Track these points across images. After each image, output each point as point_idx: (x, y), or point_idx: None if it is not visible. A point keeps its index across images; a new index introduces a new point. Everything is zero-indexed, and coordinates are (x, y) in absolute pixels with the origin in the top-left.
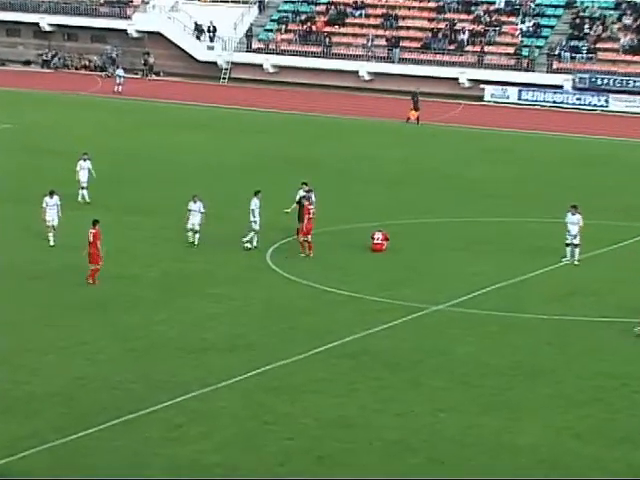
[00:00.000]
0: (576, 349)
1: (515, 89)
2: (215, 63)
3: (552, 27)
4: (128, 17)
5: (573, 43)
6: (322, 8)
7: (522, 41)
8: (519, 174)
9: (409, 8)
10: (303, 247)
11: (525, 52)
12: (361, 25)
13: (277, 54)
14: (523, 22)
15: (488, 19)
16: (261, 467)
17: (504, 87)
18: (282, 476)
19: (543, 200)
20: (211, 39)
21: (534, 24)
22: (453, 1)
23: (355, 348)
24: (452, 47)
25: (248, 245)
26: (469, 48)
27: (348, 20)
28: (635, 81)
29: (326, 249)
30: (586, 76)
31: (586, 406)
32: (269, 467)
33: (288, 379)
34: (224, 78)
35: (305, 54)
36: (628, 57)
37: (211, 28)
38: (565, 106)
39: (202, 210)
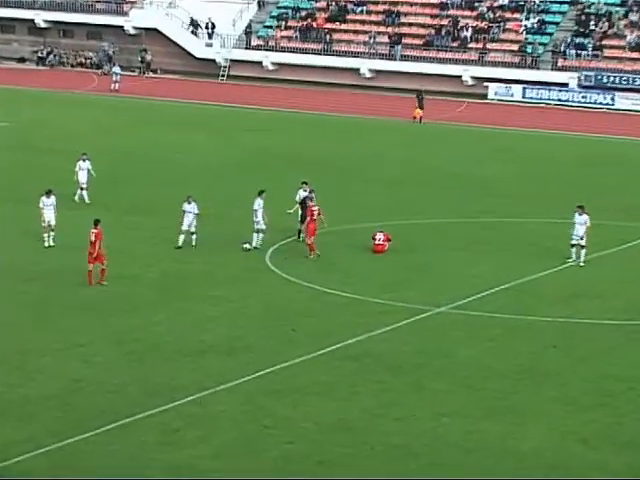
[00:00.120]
0: (581, 352)
1: (519, 87)
2: (214, 60)
3: (557, 24)
4: (125, 13)
5: (578, 40)
6: (322, 4)
7: (526, 38)
8: (524, 173)
9: (411, 4)
10: (312, 249)
11: (528, 49)
12: (362, 22)
13: (277, 51)
14: (527, 19)
15: (492, 16)
16: (260, 472)
17: (508, 85)
18: None
19: (548, 200)
20: (209, 36)
21: (539, 21)
22: None
23: (357, 351)
24: (455, 44)
25: (247, 246)
26: (472, 45)
27: (349, 17)
28: None
29: (327, 250)
30: (592, 74)
31: (592, 410)
32: (269, 472)
33: (288, 382)
34: (223, 76)
35: (305, 51)
36: (634, 54)
37: (209, 25)
38: (570, 104)
39: (196, 211)
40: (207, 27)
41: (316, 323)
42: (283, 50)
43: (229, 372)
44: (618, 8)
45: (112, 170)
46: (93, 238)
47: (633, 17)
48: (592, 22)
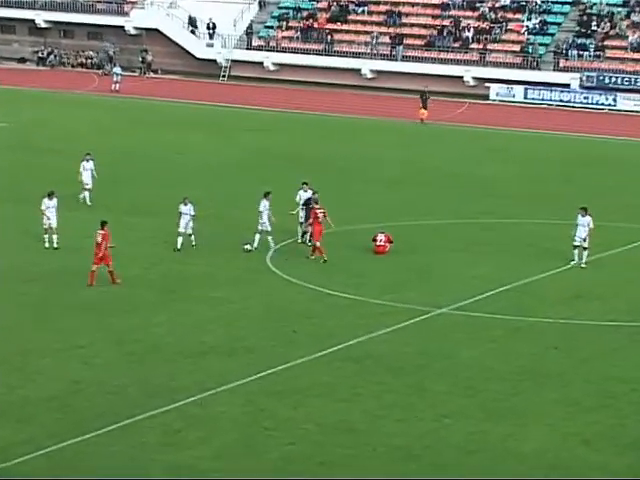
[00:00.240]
0: (583, 353)
1: (521, 88)
2: (214, 61)
3: (559, 24)
4: (125, 14)
5: (580, 41)
6: (324, 5)
7: (528, 39)
8: (524, 174)
9: (413, 5)
10: (321, 252)
11: (529, 50)
12: (364, 22)
13: (278, 52)
14: (529, 19)
15: (493, 16)
16: (261, 473)
17: (510, 86)
18: None
19: (549, 201)
20: (210, 36)
21: (540, 21)
22: None
23: (358, 352)
24: (457, 45)
25: (248, 247)
26: (474, 46)
27: (350, 17)
28: None
29: (328, 250)
30: (594, 74)
31: (594, 411)
32: (269, 473)
33: (289, 383)
34: (224, 76)
35: (306, 52)
36: (637, 55)
37: (210, 25)
38: (572, 105)
39: (192, 213)
40: (208, 27)
41: (317, 324)
42: (284, 50)
43: (230, 373)
44: (620, 9)
45: (112, 171)
46: (100, 239)
47: (635, 18)
48: (594, 23)
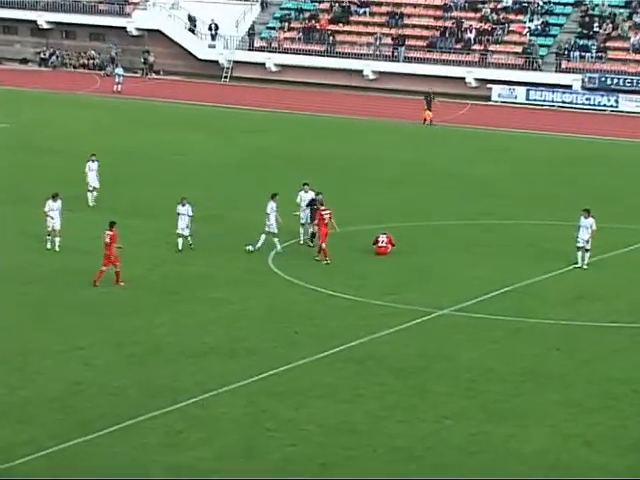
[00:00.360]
0: (585, 355)
1: (523, 89)
2: (216, 62)
3: (561, 25)
4: (128, 15)
5: (582, 42)
6: (326, 6)
7: (530, 40)
8: (526, 175)
9: (415, 6)
10: (325, 254)
11: (531, 51)
12: (366, 23)
13: (280, 53)
14: (531, 20)
15: (495, 17)
16: (263, 474)
17: (512, 87)
18: None
19: (550, 202)
20: (213, 37)
21: (542, 22)
22: None
23: (359, 353)
24: (459, 46)
25: (250, 248)
26: (476, 47)
27: (352, 18)
28: None
29: (330, 251)
30: (595, 76)
31: (596, 413)
32: (271, 474)
33: (291, 384)
34: (226, 77)
35: (308, 53)
36: (639, 56)
37: (213, 26)
38: (574, 106)
39: (190, 213)
40: (210, 28)
41: (319, 325)
42: (286, 51)
43: (231, 374)
44: (622, 10)
45: (113, 171)
46: (108, 240)
47: (637, 19)
48: (596, 24)
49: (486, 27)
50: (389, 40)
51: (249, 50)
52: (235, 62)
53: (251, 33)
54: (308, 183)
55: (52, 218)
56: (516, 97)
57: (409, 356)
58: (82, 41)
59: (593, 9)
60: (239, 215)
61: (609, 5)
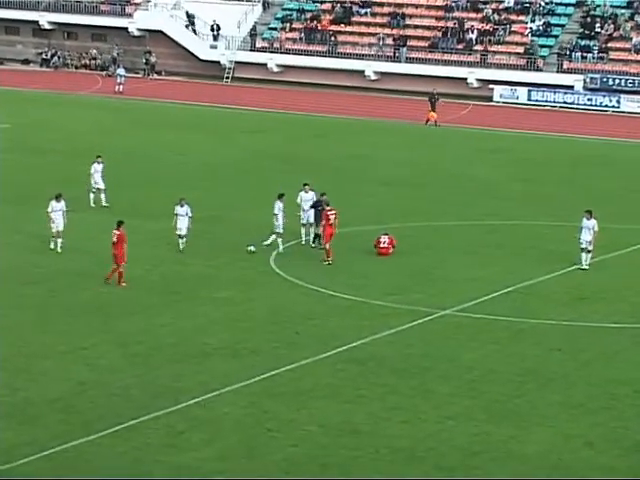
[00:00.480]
0: (586, 355)
1: (525, 89)
2: (218, 62)
3: (562, 26)
4: (129, 15)
5: (584, 42)
6: (327, 6)
7: (532, 40)
8: (528, 176)
9: (416, 6)
10: (328, 255)
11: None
12: (367, 24)
13: (281, 53)
14: (533, 21)
15: (497, 18)
16: (264, 475)
17: (513, 87)
18: None
19: (553, 203)
20: (214, 38)
21: (544, 23)
22: None
23: (362, 354)
24: (460, 46)
25: (252, 248)
26: (478, 47)
27: (354, 19)
28: None
29: (332, 252)
30: (597, 76)
31: (597, 414)
32: (272, 475)
33: (293, 385)
34: (227, 77)
35: (310, 53)
36: None
37: (214, 27)
38: (576, 107)
39: (189, 214)
40: (212, 29)
41: (320, 326)
42: (288, 52)
43: (233, 374)
44: (624, 10)
45: (114, 172)
46: (115, 239)
47: (639, 19)
48: (598, 24)
49: (488, 28)
50: (391, 41)
51: (251, 51)
52: (237, 63)
53: (253, 34)
54: (308, 183)
55: (54, 220)
56: (518, 98)
57: (411, 356)
58: (84, 42)
59: (595, 9)
60: (239, 215)
61: (611, 5)
